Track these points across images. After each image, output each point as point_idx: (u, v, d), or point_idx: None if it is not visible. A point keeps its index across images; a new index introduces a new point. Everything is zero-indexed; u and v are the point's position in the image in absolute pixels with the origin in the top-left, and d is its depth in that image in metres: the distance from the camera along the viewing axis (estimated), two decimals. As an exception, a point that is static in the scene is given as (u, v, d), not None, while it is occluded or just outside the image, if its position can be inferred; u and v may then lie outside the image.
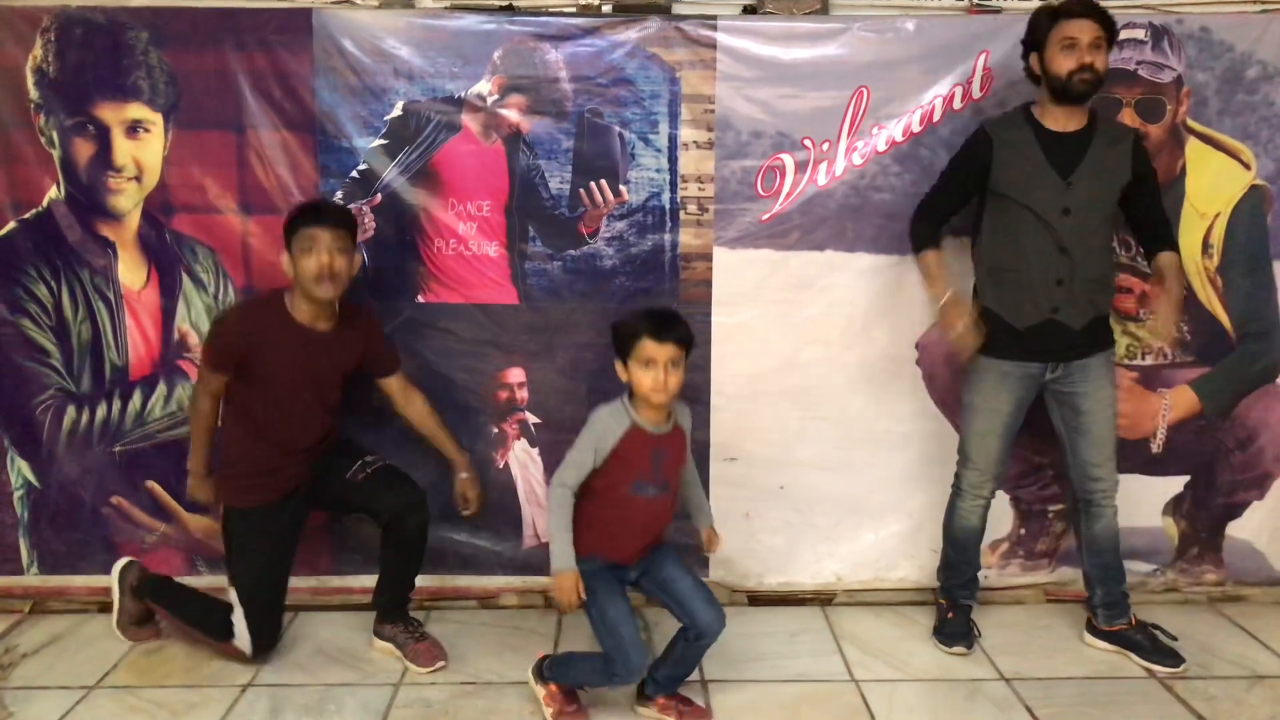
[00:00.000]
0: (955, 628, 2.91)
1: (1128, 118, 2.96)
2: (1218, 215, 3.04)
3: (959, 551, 2.92)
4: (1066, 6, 2.58)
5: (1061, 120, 2.64)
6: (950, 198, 2.80)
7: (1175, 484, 3.19)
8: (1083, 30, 2.53)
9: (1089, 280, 2.66)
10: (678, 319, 2.45)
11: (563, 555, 2.38)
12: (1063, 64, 2.55)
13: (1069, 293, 2.65)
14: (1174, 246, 2.77)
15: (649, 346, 2.36)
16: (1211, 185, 3.02)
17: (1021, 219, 2.65)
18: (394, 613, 2.89)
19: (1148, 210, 2.74)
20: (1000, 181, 2.67)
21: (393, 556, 2.86)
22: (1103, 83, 2.60)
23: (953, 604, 2.95)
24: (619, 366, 2.43)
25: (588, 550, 2.42)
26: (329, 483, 2.81)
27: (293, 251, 2.60)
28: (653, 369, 2.36)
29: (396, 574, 2.88)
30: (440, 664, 2.79)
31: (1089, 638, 2.93)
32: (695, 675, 2.65)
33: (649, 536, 2.52)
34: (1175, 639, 2.86)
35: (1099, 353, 2.73)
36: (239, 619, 2.72)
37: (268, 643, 2.78)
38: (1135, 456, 3.15)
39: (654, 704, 2.54)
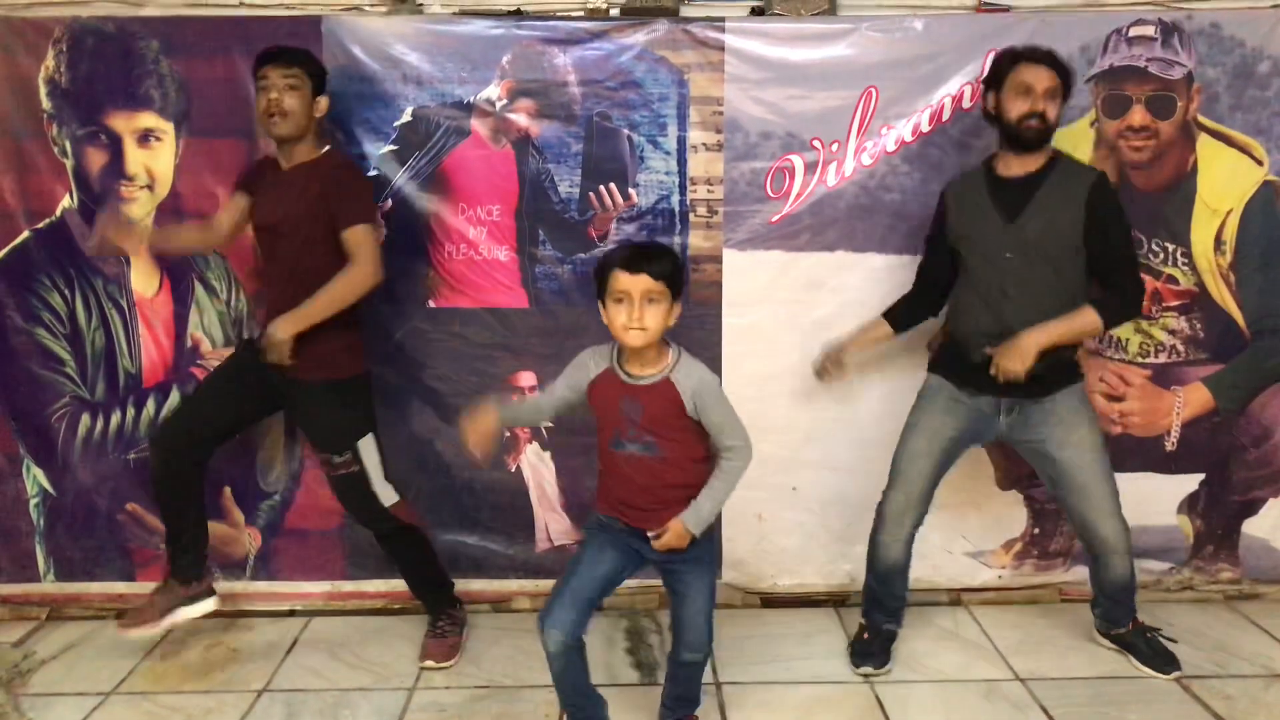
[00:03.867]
0: (869, 647, 2.83)
1: (1138, 114, 2.95)
2: (1230, 212, 3.02)
3: (882, 584, 2.82)
4: (1027, 52, 2.57)
5: (1015, 166, 2.60)
6: (929, 263, 2.80)
7: (1190, 482, 3.18)
8: (1039, 78, 2.52)
9: (1037, 323, 2.54)
10: (661, 251, 2.24)
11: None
12: (1015, 108, 2.53)
13: (1013, 335, 2.56)
14: (1102, 307, 2.56)
15: (621, 279, 2.17)
16: (1224, 182, 3.00)
17: (970, 264, 2.65)
18: (424, 605, 2.96)
19: (1099, 257, 2.57)
20: (952, 231, 2.68)
21: (386, 554, 2.94)
22: (1052, 131, 2.55)
23: (872, 628, 2.86)
24: (601, 309, 2.25)
25: (599, 506, 2.38)
26: (306, 431, 2.84)
27: (256, 97, 2.65)
28: (625, 304, 2.16)
29: (400, 572, 2.95)
30: (429, 661, 2.82)
31: (1098, 638, 2.92)
32: (708, 677, 2.65)
33: (652, 502, 2.28)
34: (1175, 642, 2.85)
35: (1060, 390, 2.62)
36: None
37: (155, 452, 2.75)
38: (1149, 454, 3.14)
39: None
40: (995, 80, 2.60)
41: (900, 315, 2.83)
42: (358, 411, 2.77)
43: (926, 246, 2.82)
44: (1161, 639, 2.84)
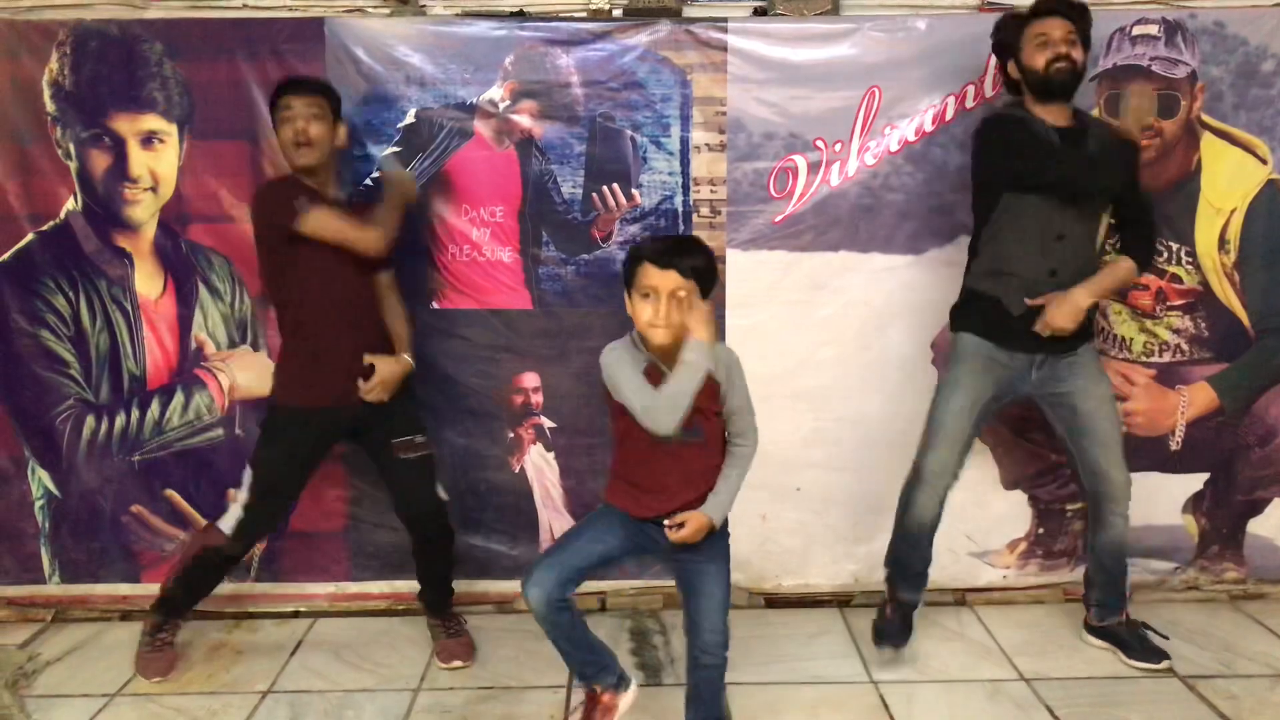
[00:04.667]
0: (890, 627, 2.83)
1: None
2: (1234, 210, 3.02)
3: (910, 545, 2.81)
4: (1034, 7, 2.59)
5: (1050, 117, 2.60)
6: (992, 202, 2.68)
7: (1195, 481, 3.17)
8: (1054, 27, 2.54)
9: (1081, 268, 2.60)
10: (695, 247, 2.19)
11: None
12: (1039, 59, 2.54)
13: (1059, 283, 2.59)
14: (1136, 253, 2.65)
15: (650, 273, 2.10)
16: (1227, 180, 3.00)
17: (1021, 204, 2.59)
18: (435, 608, 2.94)
19: (1130, 203, 2.66)
20: (1024, 167, 2.57)
21: (418, 556, 2.90)
22: (1081, 75, 2.57)
23: (894, 600, 2.85)
24: (627, 300, 2.20)
25: (614, 499, 2.31)
26: (375, 432, 2.76)
27: (276, 126, 2.65)
28: (652, 300, 2.10)
29: (424, 573, 2.92)
30: (456, 663, 2.82)
31: (1086, 636, 2.92)
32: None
33: (686, 489, 2.24)
34: (1166, 638, 2.85)
35: (1082, 345, 2.68)
36: (238, 506, 2.74)
37: (243, 546, 2.77)
38: (1154, 454, 3.14)
39: None
40: (1006, 47, 2.62)
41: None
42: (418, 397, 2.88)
43: (985, 191, 2.67)
44: (1152, 633, 2.84)
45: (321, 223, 2.57)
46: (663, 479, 2.23)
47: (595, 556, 2.27)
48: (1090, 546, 2.86)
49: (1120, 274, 2.65)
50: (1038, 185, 2.55)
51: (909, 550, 2.82)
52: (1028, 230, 2.60)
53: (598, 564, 2.28)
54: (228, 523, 2.72)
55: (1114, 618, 2.85)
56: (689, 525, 2.20)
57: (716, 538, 2.28)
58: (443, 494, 2.83)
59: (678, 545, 2.23)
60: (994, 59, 2.78)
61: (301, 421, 2.70)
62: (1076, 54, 2.54)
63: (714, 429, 2.25)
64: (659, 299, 2.10)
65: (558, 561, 2.25)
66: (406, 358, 2.75)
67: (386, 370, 2.68)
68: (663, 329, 2.11)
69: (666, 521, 2.22)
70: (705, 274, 2.15)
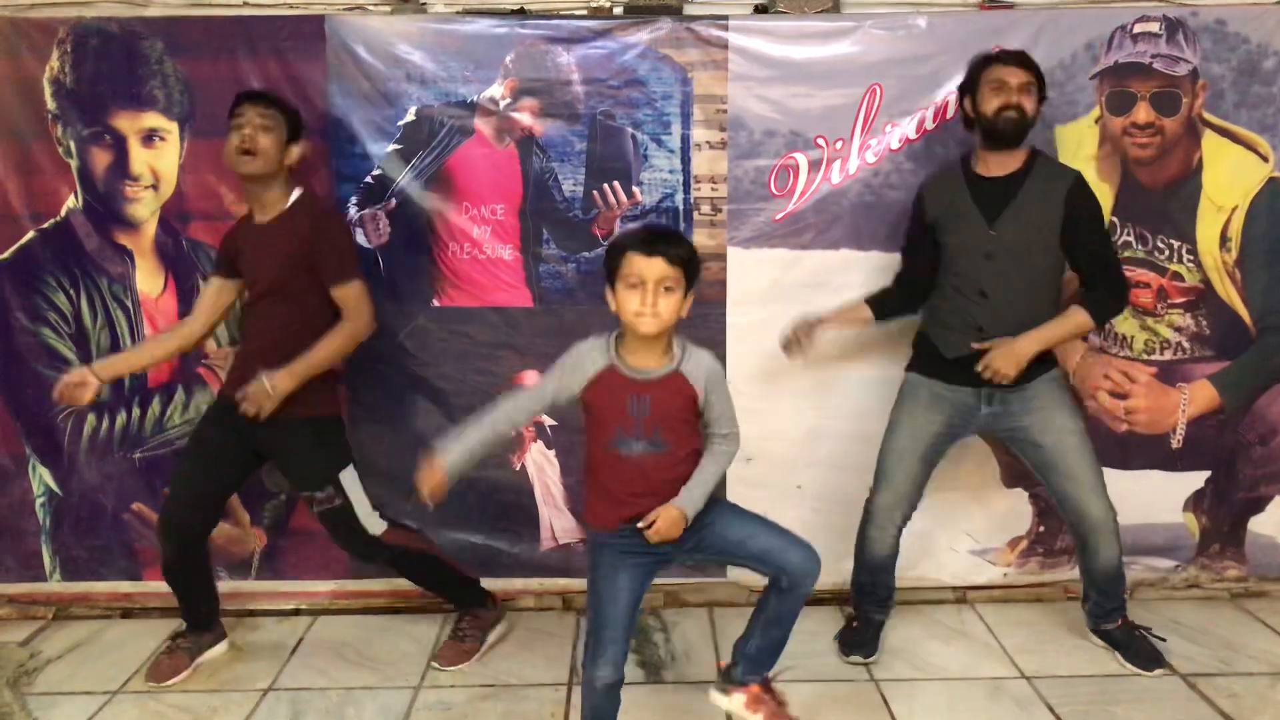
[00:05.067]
0: (858, 637, 2.87)
1: (1142, 111, 2.95)
2: (1235, 208, 3.02)
3: (870, 575, 2.86)
4: (999, 55, 2.62)
5: (994, 165, 2.63)
6: (910, 264, 2.82)
7: (1196, 479, 3.17)
8: (1010, 74, 2.57)
9: (1012, 325, 2.59)
10: (677, 236, 2.17)
11: (445, 447, 2.16)
12: (990, 103, 2.57)
13: (991, 337, 2.60)
14: (1091, 306, 2.61)
15: (636, 262, 2.06)
16: (1229, 178, 3.00)
17: (950, 262, 2.67)
18: (454, 606, 2.96)
19: (1082, 257, 2.62)
20: (936, 229, 2.70)
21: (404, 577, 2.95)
22: (1029, 127, 2.58)
23: (861, 618, 2.90)
24: (609, 294, 2.15)
25: (597, 520, 2.22)
26: (284, 471, 2.80)
27: (229, 134, 2.63)
28: (639, 291, 2.05)
29: (421, 586, 2.96)
30: (450, 667, 2.81)
31: (1090, 635, 2.92)
32: (711, 675, 2.64)
33: (650, 501, 2.15)
34: (1164, 640, 2.85)
35: (1035, 380, 2.65)
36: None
37: (169, 564, 2.75)
38: (1155, 452, 3.13)
39: (743, 691, 2.32)
40: (970, 86, 2.65)
41: (883, 305, 2.84)
42: (335, 447, 2.76)
43: (905, 248, 2.83)
44: (1150, 637, 2.84)
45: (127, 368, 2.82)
46: (628, 487, 2.17)
47: (632, 604, 2.19)
48: (1082, 568, 2.86)
49: (1070, 326, 2.62)
50: (950, 248, 2.65)
51: (871, 581, 2.88)
52: (953, 287, 2.67)
53: (633, 612, 2.21)
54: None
55: (1110, 624, 2.85)
56: (661, 521, 2.13)
57: (705, 514, 2.20)
58: (377, 525, 2.77)
59: (670, 544, 2.19)
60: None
61: (216, 407, 2.78)
62: (1028, 104, 2.57)
63: (684, 440, 2.19)
64: (646, 288, 2.06)
65: (609, 635, 2.16)
66: (267, 382, 2.54)
67: (251, 387, 2.55)
68: (650, 318, 2.06)
69: (639, 524, 2.15)
70: (690, 263, 2.13)
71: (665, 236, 2.14)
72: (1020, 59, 2.60)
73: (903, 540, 2.93)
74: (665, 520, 2.13)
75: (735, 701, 2.34)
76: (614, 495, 2.18)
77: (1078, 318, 2.61)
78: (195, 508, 2.73)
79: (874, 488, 2.82)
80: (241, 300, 2.79)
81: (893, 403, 2.92)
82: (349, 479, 2.73)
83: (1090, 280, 2.65)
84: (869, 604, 2.90)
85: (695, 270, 2.16)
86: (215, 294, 2.79)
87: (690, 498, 2.16)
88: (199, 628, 2.87)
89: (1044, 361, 2.66)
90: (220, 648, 2.90)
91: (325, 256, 2.63)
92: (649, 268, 2.06)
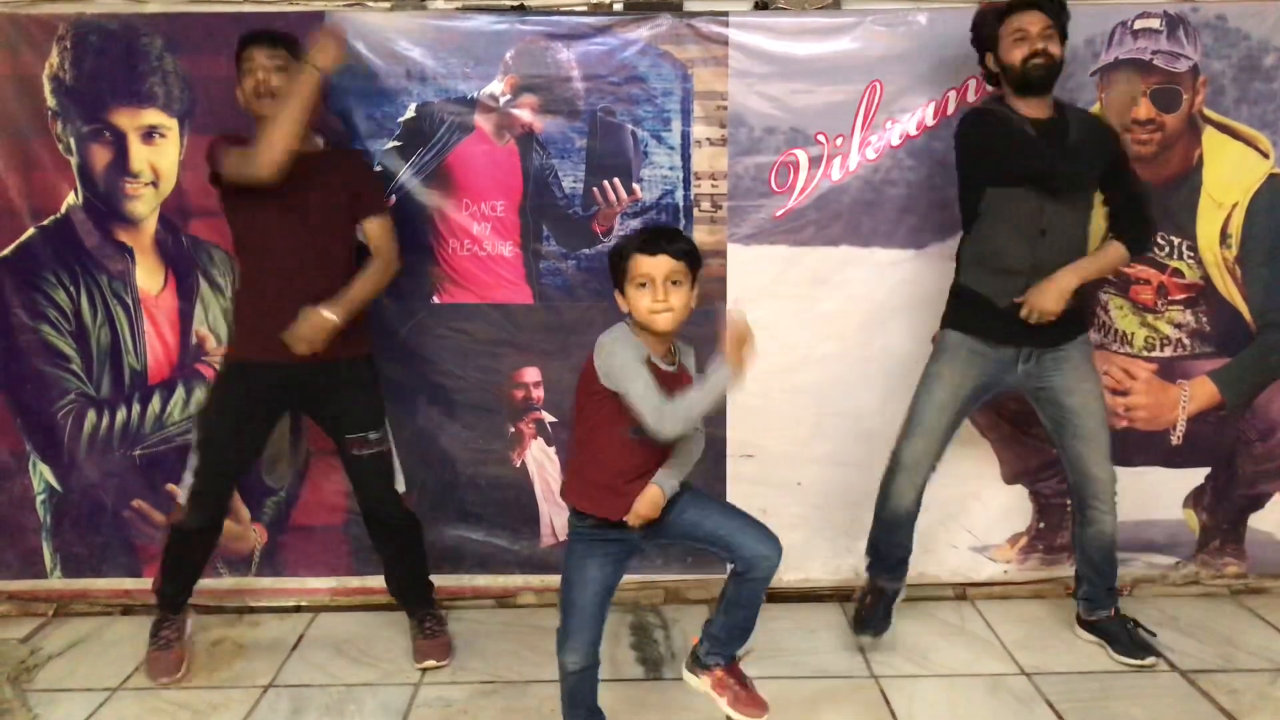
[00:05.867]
0: (871, 614, 2.86)
1: (1144, 108, 2.94)
2: (1235, 205, 3.02)
3: (888, 533, 2.83)
4: (1010, 3, 2.59)
5: (1030, 110, 2.61)
6: (977, 194, 2.70)
7: (1195, 476, 3.17)
8: (1031, 21, 2.54)
9: (1068, 262, 2.60)
10: (676, 232, 2.23)
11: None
12: (1016, 54, 2.55)
13: (1044, 277, 2.59)
14: (1128, 238, 2.63)
15: (642, 262, 2.12)
16: (1229, 174, 3.00)
17: (1003, 199, 2.61)
18: (409, 604, 2.93)
19: (1123, 196, 2.67)
20: (999, 161, 2.61)
21: (378, 550, 2.91)
22: (1059, 69, 2.58)
23: (873, 589, 2.87)
24: (618, 297, 2.20)
25: (586, 505, 2.24)
26: (329, 419, 2.77)
27: (240, 80, 2.61)
28: (649, 288, 2.12)
29: (387, 568, 2.92)
30: (430, 662, 2.80)
31: (1077, 630, 2.93)
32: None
33: (644, 483, 2.21)
34: (1154, 634, 2.86)
35: (1073, 340, 2.68)
36: (189, 472, 2.70)
37: (198, 516, 2.71)
38: (1155, 448, 3.14)
39: (708, 674, 2.37)
40: (985, 41, 2.63)
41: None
42: (380, 390, 2.80)
43: (969, 189, 2.70)
44: (1141, 630, 2.85)
45: (228, 166, 2.53)
46: (630, 471, 2.21)
47: (605, 593, 2.25)
48: (1077, 543, 2.86)
49: (1109, 257, 2.64)
50: (1015, 179, 2.57)
51: (888, 539, 2.84)
52: (1011, 225, 2.62)
53: (609, 596, 2.27)
54: (183, 494, 2.71)
55: (1103, 612, 2.85)
56: (642, 501, 2.18)
57: (680, 497, 2.25)
58: (401, 485, 2.81)
59: (650, 529, 2.22)
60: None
61: (238, 374, 2.70)
62: (1054, 48, 2.55)
63: None
64: (656, 285, 2.11)
65: (579, 623, 2.22)
66: (326, 313, 2.53)
67: (304, 322, 2.53)
68: (665, 313, 2.12)
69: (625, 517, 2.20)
70: (692, 256, 2.18)
71: (665, 234, 2.19)
72: (1036, 3, 2.56)
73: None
74: (645, 502, 2.18)
75: (703, 683, 2.38)
76: (612, 480, 2.21)
77: (1115, 249, 2.63)
78: (226, 478, 2.73)
79: (904, 437, 2.77)
80: (246, 255, 2.68)
81: (894, 400, 2.93)
82: (388, 428, 2.78)
83: (1124, 219, 2.67)
84: (883, 572, 2.85)
85: (698, 263, 2.22)
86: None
87: (667, 475, 2.21)
88: (175, 607, 2.82)
89: (1079, 324, 2.68)
90: (190, 622, 2.90)
91: (364, 188, 2.67)
92: (655, 265, 2.12)
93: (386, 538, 2.86)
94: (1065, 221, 2.61)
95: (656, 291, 2.11)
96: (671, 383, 2.18)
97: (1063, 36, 2.59)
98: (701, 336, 2.28)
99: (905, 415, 2.79)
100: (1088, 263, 2.61)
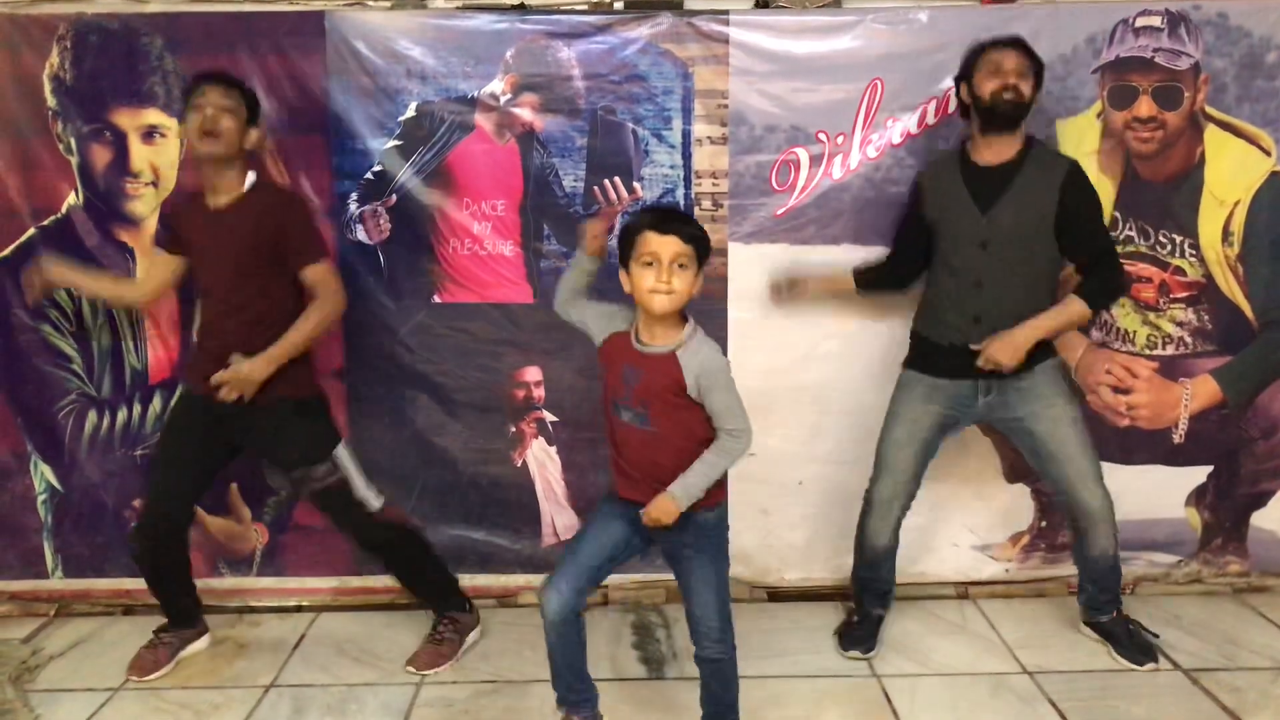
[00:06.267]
0: (857, 632, 2.88)
1: (1145, 105, 2.94)
2: (1237, 203, 3.01)
3: (870, 568, 2.87)
4: (995, 40, 2.61)
5: (989, 153, 2.62)
6: (901, 247, 2.84)
7: (1198, 474, 3.17)
8: (1007, 58, 2.56)
9: (1008, 315, 2.59)
10: (688, 216, 2.25)
11: None
12: (987, 87, 2.56)
13: (987, 327, 2.60)
14: (1088, 294, 2.60)
15: (651, 240, 2.11)
16: (1231, 172, 2.99)
17: (945, 251, 2.67)
18: (432, 608, 2.92)
19: (1078, 245, 2.62)
20: (929, 217, 2.71)
21: (381, 565, 2.92)
22: (1028, 109, 2.57)
23: (861, 614, 2.91)
24: (623, 275, 2.20)
25: (613, 484, 2.31)
26: (271, 455, 2.79)
27: (187, 115, 2.59)
28: (654, 267, 2.11)
29: (396, 578, 2.93)
30: (409, 668, 2.78)
31: (1082, 628, 2.93)
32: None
33: (644, 476, 2.21)
34: (1157, 636, 2.86)
35: (1030, 370, 2.64)
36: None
37: (138, 541, 2.72)
38: (1157, 447, 3.13)
39: None
40: (966, 72, 2.64)
41: (867, 277, 2.88)
42: (323, 424, 2.75)
43: (898, 230, 2.85)
44: (1143, 632, 2.85)
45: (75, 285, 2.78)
46: (621, 452, 2.25)
47: (606, 551, 2.28)
48: (1077, 557, 2.86)
49: (1068, 314, 2.61)
50: (946, 237, 2.66)
51: (870, 574, 2.88)
52: (948, 276, 2.67)
53: (609, 559, 2.29)
54: None
55: (1106, 615, 2.85)
56: (655, 506, 2.18)
57: (706, 528, 2.24)
58: (373, 503, 2.75)
59: (660, 530, 2.22)
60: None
61: (183, 401, 2.79)
62: (1025, 87, 2.56)
63: (668, 421, 2.18)
64: (661, 265, 2.11)
65: (574, 565, 2.26)
66: (247, 366, 2.51)
67: (230, 372, 2.52)
68: (665, 295, 2.11)
69: (640, 511, 2.22)
70: (702, 242, 2.18)
71: (678, 215, 2.22)
72: (1016, 43, 2.59)
73: (905, 536, 2.94)
74: (658, 507, 2.18)
75: None
76: (615, 460, 2.28)
77: (1075, 306, 2.60)
78: (173, 504, 2.71)
79: (873, 478, 2.82)
80: (196, 290, 2.75)
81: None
82: (342, 453, 2.72)
83: (1087, 269, 2.64)
84: (868, 598, 2.90)
85: (706, 249, 2.21)
86: (163, 265, 2.75)
87: (684, 484, 2.17)
88: (180, 624, 2.86)
89: (1042, 350, 2.65)
90: (202, 643, 2.90)
91: (293, 237, 2.59)
92: (664, 245, 2.11)
93: (377, 553, 2.86)
94: (1005, 273, 2.60)
95: (660, 272, 2.11)
96: (639, 360, 2.18)
97: (1037, 83, 2.59)
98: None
99: (874, 456, 2.82)
100: (1047, 319, 2.59)
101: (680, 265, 2.12)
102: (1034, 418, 2.67)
